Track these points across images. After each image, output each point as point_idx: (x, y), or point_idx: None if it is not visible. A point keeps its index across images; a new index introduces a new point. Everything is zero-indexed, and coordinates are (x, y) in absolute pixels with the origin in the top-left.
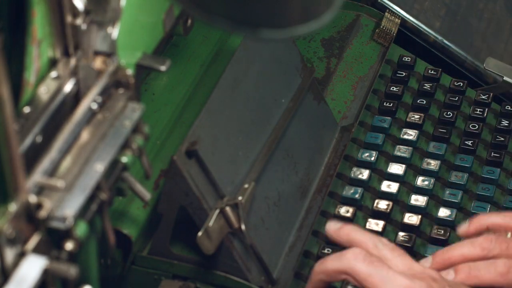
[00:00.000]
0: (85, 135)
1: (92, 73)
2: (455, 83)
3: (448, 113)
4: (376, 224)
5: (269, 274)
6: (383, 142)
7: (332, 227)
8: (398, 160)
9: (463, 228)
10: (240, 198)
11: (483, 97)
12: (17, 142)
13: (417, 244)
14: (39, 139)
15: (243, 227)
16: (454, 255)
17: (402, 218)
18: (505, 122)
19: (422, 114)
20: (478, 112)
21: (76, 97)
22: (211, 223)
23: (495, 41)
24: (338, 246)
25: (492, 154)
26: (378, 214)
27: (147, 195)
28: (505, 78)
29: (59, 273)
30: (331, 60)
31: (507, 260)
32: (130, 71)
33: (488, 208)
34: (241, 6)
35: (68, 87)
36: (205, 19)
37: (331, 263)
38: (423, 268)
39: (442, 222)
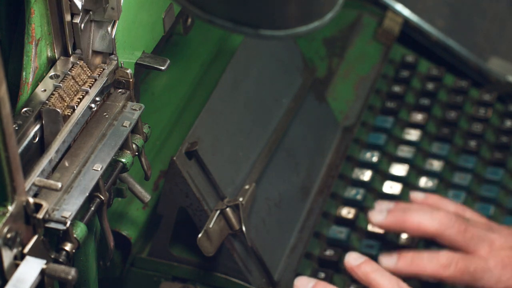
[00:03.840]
0: (84, 136)
1: (57, 117)
2: (458, 83)
3: (451, 113)
4: None
5: (270, 276)
6: (385, 143)
7: (352, 262)
8: (401, 160)
9: (378, 218)
10: (240, 199)
11: (487, 97)
12: (15, 142)
13: (419, 246)
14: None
15: (243, 228)
16: (411, 220)
17: None
18: (509, 122)
19: (425, 114)
20: (481, 112)
21: (41, 144)
22: (211, 225)
23: (498, 40)
24: (339, 249)
25: (496, 154)
26: None
27: (147, 196)
28: (509, 77)
29: (57, 275)
30: (333, 59)
31: (451, 253)
32: (129, 71)
33: (492, 209)
34: (242, 7)
35: (31, 133)
36: (205, 19)
37: None
38: None
39: None
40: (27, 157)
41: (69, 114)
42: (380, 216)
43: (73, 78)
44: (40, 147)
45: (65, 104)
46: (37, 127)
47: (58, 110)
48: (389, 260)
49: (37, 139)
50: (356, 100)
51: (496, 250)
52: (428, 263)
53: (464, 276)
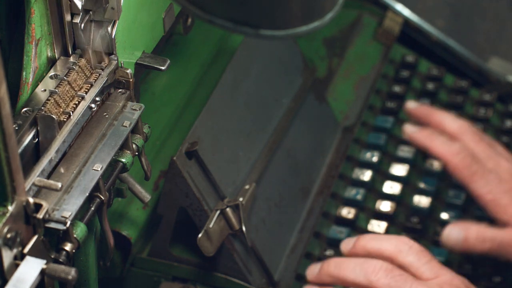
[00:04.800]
0: (83, 136)
1: (53, 123)
2: (458, 83)
3: (451, 113)
4: (379, 226)
5: (270, 276)
6: (385, 143)
7: (346, 247)
8: (401, 160)
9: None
10: (241, 199)
11: (487, 97)
12: (15, 142)
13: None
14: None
15: (243, 228)
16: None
17: (405, 219)
18: (509, 122)
19: None
20: (481, 112)
21: (36, 149)
22: (211, 225)
23: (499, 40)
24: (339, 249)
25: None
26: (380, 216)
27: (147, 196)
28: (509, 77)
29: (57, 275)
30: (333, 59)
31: (463, 145)
32: (129, 71)
33: None
34: (242, 7)
35: (27, 138)
36: (205, 19)
37: (350, 273)
38: (451, 276)
39: (445, 224)
40: (27, 157)
41: (64, 120)
42: (413, 129)
43: (69, 83)
44: (35, 156)
45: (61, 110)
46: (34, 131)
47: (54, 116)
48: (411, 129)
49: (37, 139)
50: (356, 100)
51: (499, 168)
52: (442, 144)
53: (468, 169)
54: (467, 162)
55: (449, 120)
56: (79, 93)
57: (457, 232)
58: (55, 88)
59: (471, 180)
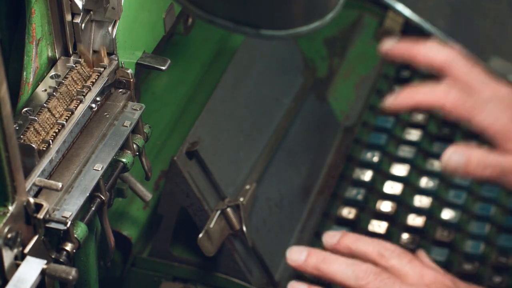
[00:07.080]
0: (84, 136)
1: (33, 152)
2: None
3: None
4: (379, 226)
5: (270, 276)
6: (386, 143)
7: (329, 240)
8: (402, 160)
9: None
10: (241, 199)
11: None
12: (16, 142)
13: (421, 246)
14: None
15: (244, 228)
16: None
17: (406, 220)
18: None
19: (425, 114)
20: None
21: None
22: (212, 225)
23: (500, 40)
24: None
25: None
26: (381, 216)
27: (148, 195)
28: (510, 77)
29: (58, 275)
30: (334, 59)
31: (450, 83)
32: (130, 71)
33: (492, 210)
34: (242, 7)
35: None
36: (206, 19)
37: (340, 273)
38: (434, 275)
39: (446, 224)
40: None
41: (44, 148)
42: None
43: (49, 110)
44: None
45: (41, 138)
46: None
47: (33, 145)
48: (390, 99)
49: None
50: (357, 100)
51: (498, 94)
52: (428, 92)
53: (465, 105)
54: (460, 98)
55: (434, 51)
56: (59, 120)
57: (458, 156)
58: (35, 116)
59: (471, 116)
